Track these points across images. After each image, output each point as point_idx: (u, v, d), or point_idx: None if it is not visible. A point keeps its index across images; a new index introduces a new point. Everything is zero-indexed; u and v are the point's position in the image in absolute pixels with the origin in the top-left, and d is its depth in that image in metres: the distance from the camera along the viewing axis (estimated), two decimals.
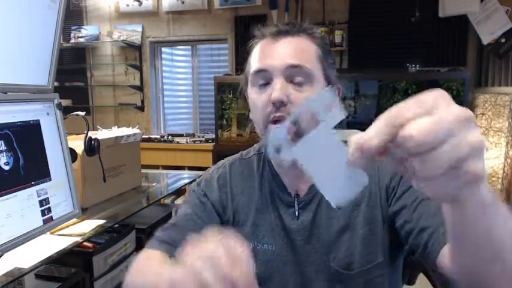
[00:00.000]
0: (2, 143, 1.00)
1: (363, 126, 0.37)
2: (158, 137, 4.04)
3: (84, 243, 1.40)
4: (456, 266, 0.50)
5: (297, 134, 0.33)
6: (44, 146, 1.14)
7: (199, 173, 2.56)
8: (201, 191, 0.87)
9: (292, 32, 0.79)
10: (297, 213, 0.81)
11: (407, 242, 0.72)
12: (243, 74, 0.86)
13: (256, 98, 0.78)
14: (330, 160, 0.33)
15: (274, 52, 0.77)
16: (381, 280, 0.78)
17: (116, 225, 1.62)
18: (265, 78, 0.77)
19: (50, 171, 1.15)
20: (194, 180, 2.41)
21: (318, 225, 0.80)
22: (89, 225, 1.40)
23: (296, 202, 0.82)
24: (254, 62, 0.80)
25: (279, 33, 0.79)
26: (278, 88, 0.73)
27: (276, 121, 0.74)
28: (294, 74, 0.75)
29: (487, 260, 0.42)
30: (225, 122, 3.60)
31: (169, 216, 2.11)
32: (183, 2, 4.03)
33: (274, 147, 0.34)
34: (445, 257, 0.59)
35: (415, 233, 0.69)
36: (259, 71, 0.78)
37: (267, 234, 0.82)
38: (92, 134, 1.63)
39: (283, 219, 0.82)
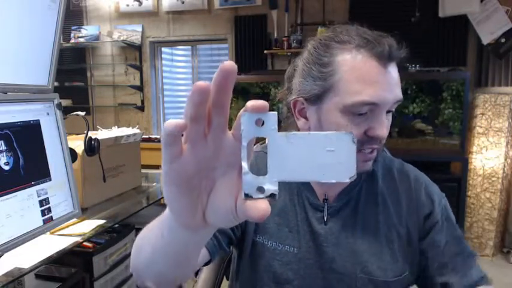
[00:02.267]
0: (2, 143, 1.00)
1: None
2: (158, 137, 4.04)
3: (84, 243, 1.40)
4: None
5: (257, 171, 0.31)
6: (44, 146, 1.14)
7: None
8: None
9: (395, 55, 0.70)
10: (325, 218, 0.78)
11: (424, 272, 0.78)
12: (316, 85, 0.71)
13: (348, 127, 0.69)
14: (303, 154, 0.31)
15: (385, 82, 0.67)
16: None
17: (116, 225, 1.62)
18: (368, 109, 0.68)
19: (50, 171, 1.15)
20: None
21: (347, 234, 0.78)
22: (89, 225, 1.40)
23: (326, 207, 0.79)
24: (357, 86, 0.67)
25: (387, 57, 0.68)
26: (385, 124, 0.69)
27: (364, 151, 0.70)
28: (392, 107, 0.71)
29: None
30: None
31: None
32: (183, 2, 4.03)
33: (256, 190, 0.31)
34: None
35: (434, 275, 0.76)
36: (367, 104, 0.67)
37: (290, 235, 0.79)
38: (92, 134, 1.63)
39: (310, 222, 0.79)
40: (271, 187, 0.30)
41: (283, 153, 0.31)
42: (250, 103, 0.30)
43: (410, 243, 0.78)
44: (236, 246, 0.87)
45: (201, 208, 0.36)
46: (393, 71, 0.69)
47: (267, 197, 0.30)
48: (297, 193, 0.81)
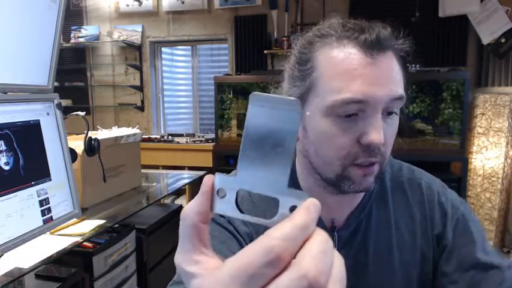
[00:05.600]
0: (2, 143, 1.00)
1: None
2: (158, 137, 4.04)
3: (84, 243, 1.40)
4: None
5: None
6: (44, 146, 1.14)
7: (200, 173, 2.57)
8: (223, 217, 0.65)
9: (386, 44, 0.57)
10: (335, 249, 0.69)
11: None
12: (296, 87, 0.61)
13: (335, 135, 0.57)
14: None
15: (373, 75, 0.55)
16: None
17: (116, 225, 1.62)
18: (357, 109, 0.56)
19: (50, 171, 1.15)
20: (194, 180, 2.41)
21: (359, 266, 0.68)
22: (89, 225, 1.40)
23: (336, 237, 0.67)
24: (338, 81, 0.56)
25: (374, 44, 0.55)
26: (378, 128, 0.55)
27: (361, 164, 0.58)
28: (391, 107, 0.57)
29: None
30: (225, 122, 3.60)
31: (169, 216, 2.11)
32: (183, 2, 4.02)
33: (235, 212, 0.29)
34: None
35: None
36: (351, 102, 0.55)
37: None
38: (92, 134, 1.63)
39: None
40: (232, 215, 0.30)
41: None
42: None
43: (424, 263, 0.69)
44: None
45: None
46: (385, 62, 0.56)
47: None
48: None
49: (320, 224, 0.68)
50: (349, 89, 0.55)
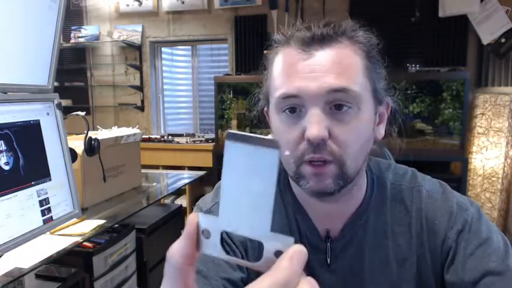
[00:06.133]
0: (2, 143, 1.00)
1: None
2: (158, 137, 4.04)
3: (84, 243, 1.40)
4: None
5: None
6: (44, 146, 1.14)
7: (200, 173, 2.57)
8: None
9: (330, 38, 0.57)
10: (329, 260, 0.65)
11: None
12: (263, 88, 0.66)
13: (284, 131, 0.59)
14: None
15: (307, 69, 0.56)
16: None
17: (116, 225, 1.62)
18: (295, 104, 0.57)
19: (50, 171, 1.15)
20: (194, 180, 2.41)
21: (356, 278, 0.65)
22: (89, 225, 1.40)
23: (329, 247, 0.65)
24: (279, 80, 0.59)
25: (313, 41, 0.57)
26: (315, 122, 0.54)
27: (314, 163, 0.56)
28: (336, 100, 0.56)
29: None
30: (225, 122, 3.60)
31: (169, 216, 2.11)
32: (183, 2, 4.02)
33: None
34: None
35: None
36: (286, 97, 0.57)
37: None
38: (92, 134, 1.63)
39: (310, 267, 0.65)
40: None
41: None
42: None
43: (421, 277, 0.64)
44: None
45: None
46: (324, 56, 0.56)
47: None
48: (298, 231, 0.67)
49: (314, 234, 0.66)
50: (285, 85, 0.58)
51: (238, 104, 3.55)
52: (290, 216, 0.68)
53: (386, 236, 0.65)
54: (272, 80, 0.62)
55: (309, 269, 0.65)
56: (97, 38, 4.30)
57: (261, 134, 0.29)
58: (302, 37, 0.58)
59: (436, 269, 0.63)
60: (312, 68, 0.56)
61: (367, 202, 0.66)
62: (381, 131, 0.65)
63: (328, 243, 0.65)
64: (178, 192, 3.87)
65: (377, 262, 0.65)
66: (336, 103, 0.56)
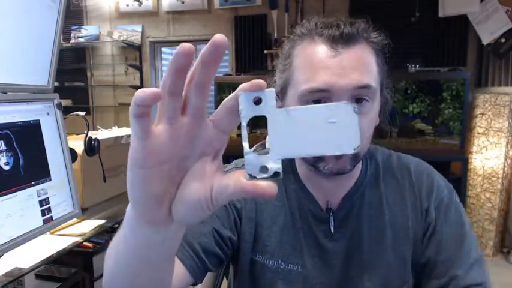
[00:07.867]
0: (2, 143, 1.00)
1: None
2: None
3: (84, 243, 1.40)
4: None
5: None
6: (44, 146, 1.14)
7: None
8: None
9: (354, 38, 0.64)
10: (332, 229, 0.73)
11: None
12: (280, 79, 0.70)
13: None
14: (304, 129, 0.30)
15: (337, 66, 0.62)
16: None
17: (116, 225, 1.62)
18: (322, 97, 0.63)
19: (50, 171, 1.15)
20: None
21: (357, 244, 0.73)
22: (89, 225, 1.40)
23: (332, 218, 0.73)
24: (306, 74, 0.64)
25: (341, 39, 0.63)
26: None
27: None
28: (358, 95, 0.63)
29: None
30: None
31: None
32: (183, 2, 4.02)
33: (259, 170, 0.30)
34: None
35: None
36: (315, 91, 0.63)
37: (293, 253, 0.73)
38: (92, 134, 1.63)
39: (316, 237, 0.73)
40: (274, 165, 0.30)
41: (284, 129, 0.30)
42: (247, 83, 0.30)
43: (416, 243, 0.73)
44: (231, 263, 0.83)
45: (168, 200, 0.32)
46: (350, 54, 0.63)
47: (271, 176, 0.30)
48: (298, 206, 0.75)
49: (316, 206, 0.74)
50: (314, 80, 0.63)
51: None
52: (291, 193, 0.76)
53: (381, 205, 0.74)
54: (295, 73, 0.67)
55: (315, 239, 0.73)
56: (97, 38, 4.30)
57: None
58: (332, 34, 0.63)
59: (423, 234, 0.74)
60: (341, 66, 0.62)
61: (363, 178, 0.75)
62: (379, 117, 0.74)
63: (331, 213, 0.73)
64: None
65: (374, 230, 0.73)
66: (358, 97, 0.63)
